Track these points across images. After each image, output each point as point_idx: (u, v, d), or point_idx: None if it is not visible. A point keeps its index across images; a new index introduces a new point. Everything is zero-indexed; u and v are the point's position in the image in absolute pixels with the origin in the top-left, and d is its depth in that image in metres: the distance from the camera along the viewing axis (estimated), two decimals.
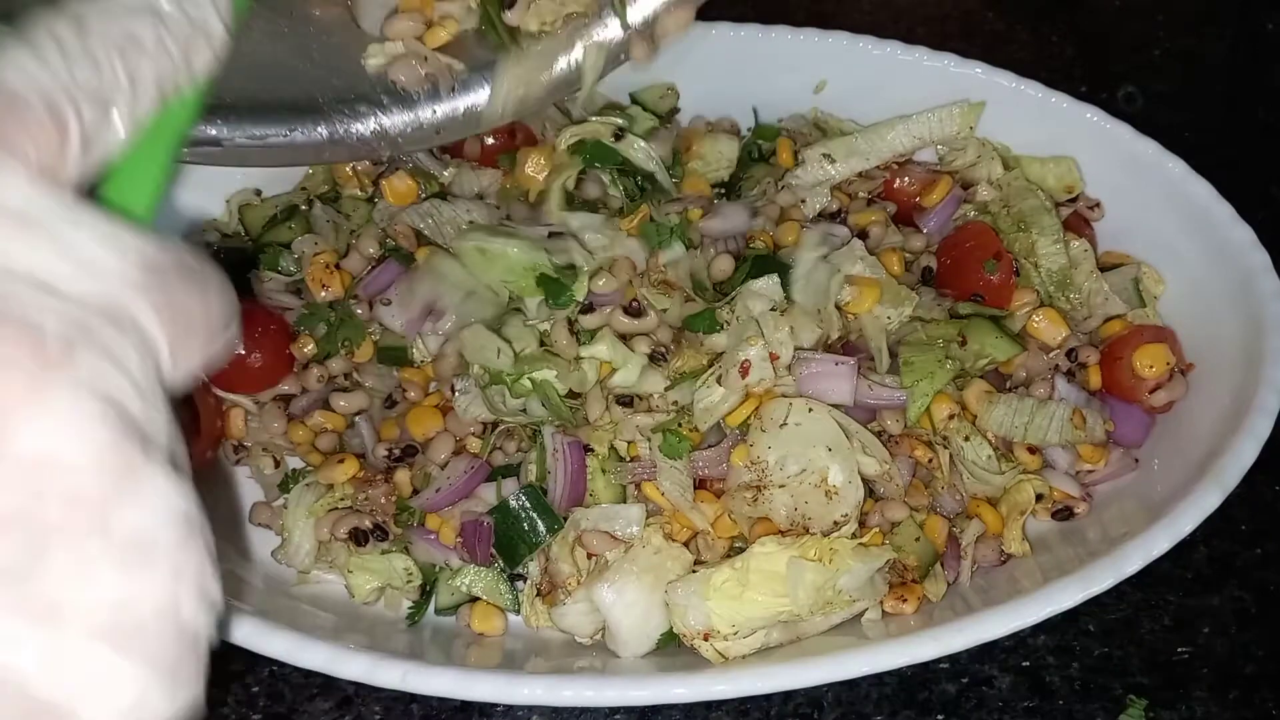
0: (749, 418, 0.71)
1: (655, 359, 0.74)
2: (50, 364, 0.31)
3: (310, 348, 0.79)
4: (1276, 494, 0.80)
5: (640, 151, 0.83)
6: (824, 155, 0.86)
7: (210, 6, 0.43)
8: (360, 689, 0.70)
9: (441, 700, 0.69)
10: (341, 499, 0.74)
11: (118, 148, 0.38)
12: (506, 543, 0.71)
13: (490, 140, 0.88)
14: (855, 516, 0.69)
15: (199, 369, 0.37)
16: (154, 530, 0.32)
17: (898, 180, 0.87)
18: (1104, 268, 0.84)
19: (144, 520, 0.32)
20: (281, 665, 0.68)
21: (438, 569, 0.73)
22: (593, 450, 0.72)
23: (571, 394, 0.73)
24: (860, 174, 0.87)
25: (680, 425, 0.72)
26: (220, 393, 0.80)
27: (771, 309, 0.73)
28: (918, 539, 0.70)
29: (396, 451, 0.75)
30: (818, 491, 0.69)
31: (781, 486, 0.69)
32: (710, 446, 0.72)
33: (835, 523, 0.68)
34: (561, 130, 0.84)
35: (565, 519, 0.70)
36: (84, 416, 0.31)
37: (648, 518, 0.69)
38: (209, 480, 0.77)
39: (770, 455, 0.69)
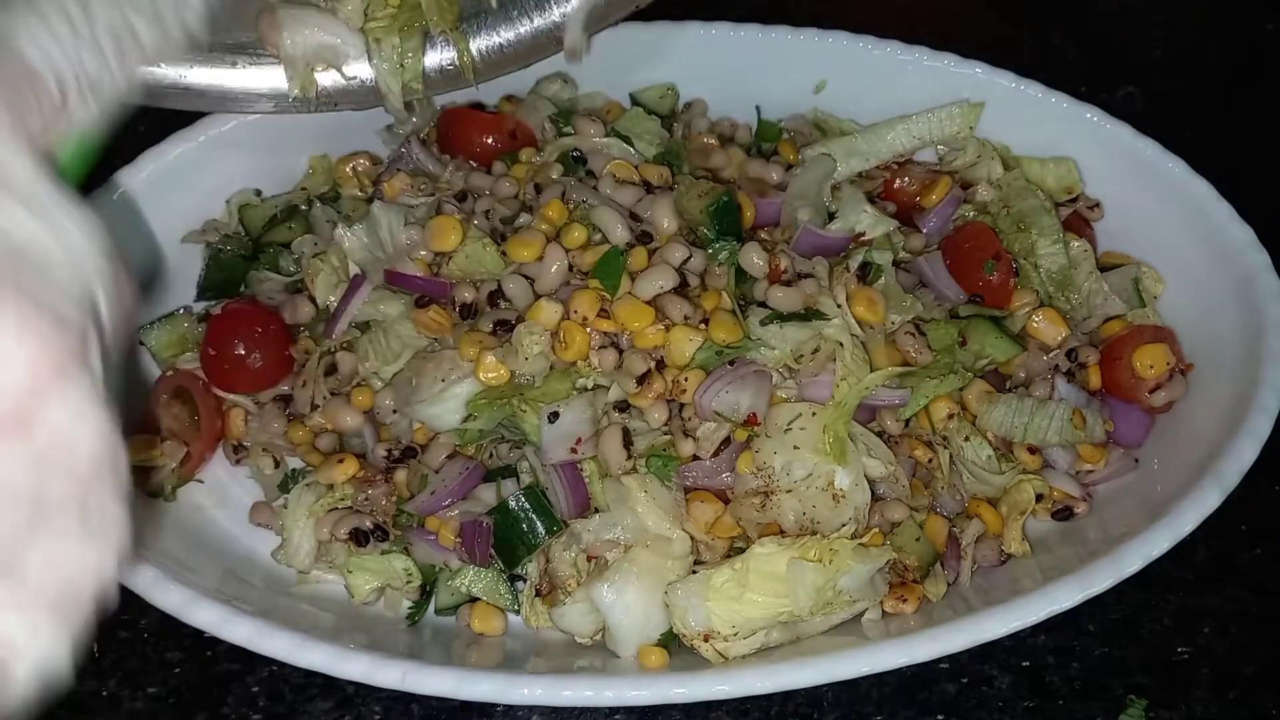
0: None
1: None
2: (75, 356, 0.34)
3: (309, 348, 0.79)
4: (1276, 494, 0.80)
5: (621, 154, 0.83)
6: (824, 155, 0.86)
7: None
8: (360, 689, 0.69)
9: (441, 700, 0.69)
10: (341, 499, 0.74)
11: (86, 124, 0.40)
12: (506, 544, 0.70)
13: (490, 140, 0.88)
14: (861, 518, 0.69)
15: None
16: (117, 511, 0.36)
17: (898, 180, 0.87)
18: (1104, 268, 0.84)
19: (113, 507, 0.35)
20: (281, 665, 0.68)
21: (437, 569, 0.73)
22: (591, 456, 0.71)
23: None
24: (860, 174, 0.87)
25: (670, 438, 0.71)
26: (220, 393, 0.80)
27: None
28: (918, 539, 0.70)
29: (396, 452, 0.75)
30: (825, 495, 0.68)
31: (789, 491, 0.69)
32: (713, 455, 0.71)
33: (844, 525, 0.68)
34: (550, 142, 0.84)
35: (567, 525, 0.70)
36: (92, 402, 0.35)
37: None
38: None
39: (776, 460, 0.69)
